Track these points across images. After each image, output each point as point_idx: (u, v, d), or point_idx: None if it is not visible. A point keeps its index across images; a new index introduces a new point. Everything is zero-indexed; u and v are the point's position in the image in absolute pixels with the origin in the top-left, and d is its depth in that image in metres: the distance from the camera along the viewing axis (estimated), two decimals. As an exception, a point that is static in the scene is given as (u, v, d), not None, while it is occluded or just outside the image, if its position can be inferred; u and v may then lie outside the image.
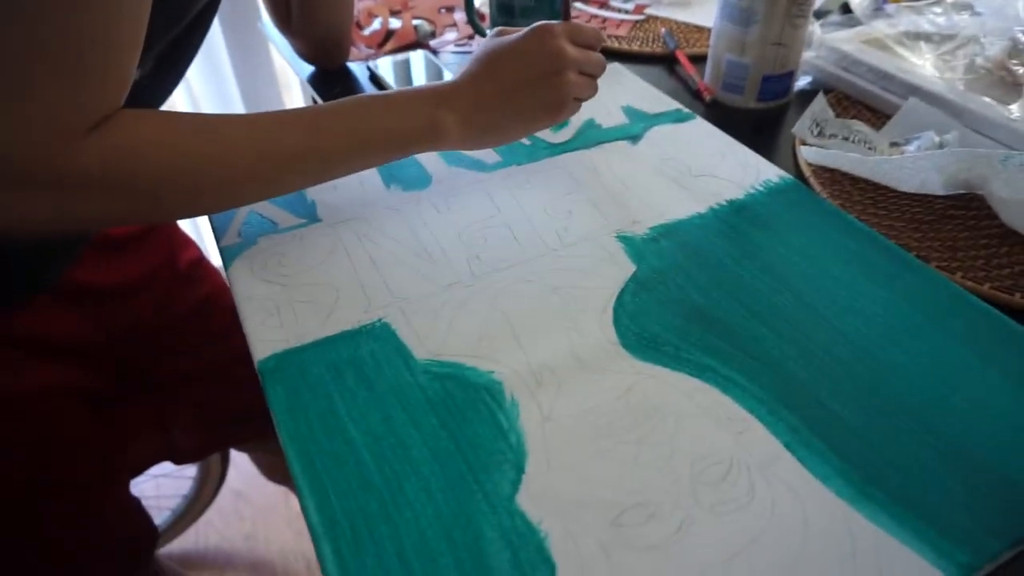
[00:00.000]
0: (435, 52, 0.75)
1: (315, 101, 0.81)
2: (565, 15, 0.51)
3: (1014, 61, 0.58)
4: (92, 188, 0.38)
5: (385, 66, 0.71)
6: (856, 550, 0.31)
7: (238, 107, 1.35)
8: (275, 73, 1.39)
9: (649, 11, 0.80)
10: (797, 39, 0.60)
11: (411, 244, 0.49)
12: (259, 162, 0.43)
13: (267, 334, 0.42)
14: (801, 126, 0.57)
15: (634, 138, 0.58)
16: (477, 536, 0.32)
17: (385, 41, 0.76)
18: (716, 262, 0.46)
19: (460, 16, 0.81)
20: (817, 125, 0.57)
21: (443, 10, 0.82)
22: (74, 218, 0.40)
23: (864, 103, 0.62)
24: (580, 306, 0.44)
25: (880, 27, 0.66)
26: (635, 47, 0.73)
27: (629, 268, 0.46)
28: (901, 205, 0.51)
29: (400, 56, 0.72)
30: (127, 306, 0.66)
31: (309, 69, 0.73)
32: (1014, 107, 0.56)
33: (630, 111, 0.62)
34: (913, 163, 0.50)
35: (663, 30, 0.75)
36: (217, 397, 0.78)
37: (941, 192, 0.50)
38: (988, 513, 0.33)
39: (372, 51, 0.75)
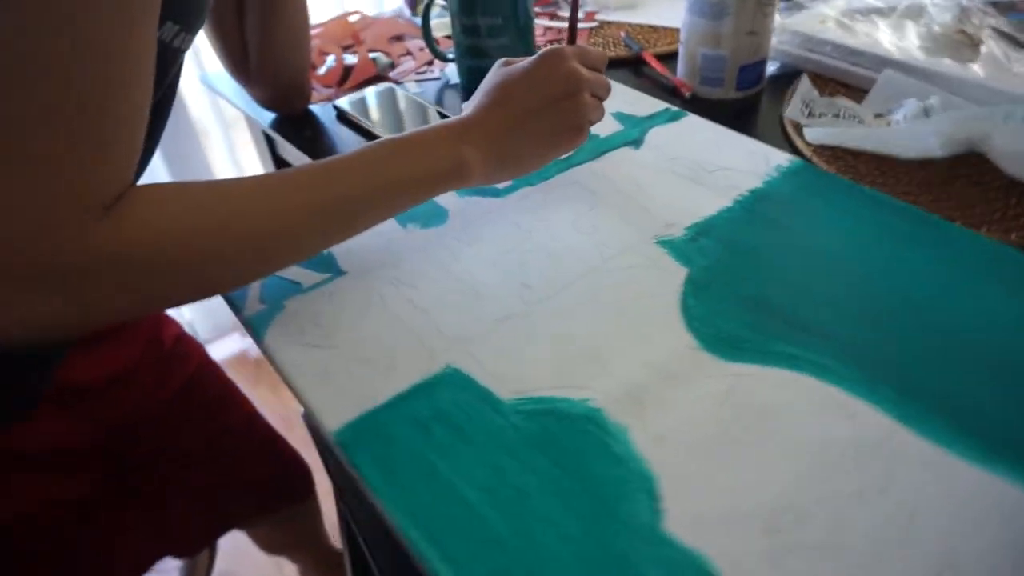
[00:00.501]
0: (398, 83, 0.72)
1: (271, 147, 0.77)
2: (571, 37, 0.51)
3: (966, 23, 0.62)
4: (116, 275, 0.34)
5: (351, 104, 0.68)
6: (1005, 513, 0.32)
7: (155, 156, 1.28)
8: (192, 121, 1.33)
9: (600, 17, 0.81)
10: (767, 27, 0.62)
11: (450, 283, 0.46)
12: (287, 226, 0.40)
13: (331, 403, 0.39)
14: (794, 109, 0.59)
15: (636, 143, 0.58)
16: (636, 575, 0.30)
17: (344, 78, 0.73)
18: (759, 252, 0.47)
19: (413, 43, 0.79)
20: (807, 106, 0.59)
21: (393, 40, 0.79)
22: (97, 312, 0.35)
23: (835, 80, 0.65)
24: (646, 318, 0.43)
25: (836, 4, 0.69)
26: (598, 54, 0.74)
27: (680, 271, 0.46)
28: (907, 171, 0.53)
29: (366, 92, 0.70)
30: (117, 398, 0.60)
31: (270, 117, 0.69)
32: (975, 66, 0.59)
33: (622, 117, 0.62)
34: (914, 130, 0.52)
35: (622, 34, 0.76)
36: (209, 473, 0.73)
37: (940, 154, 0.52)
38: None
39: (332, 90, 0.72)
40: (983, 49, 0.61)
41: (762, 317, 0.42)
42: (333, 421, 0.38)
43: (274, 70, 0.64)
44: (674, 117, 0.61)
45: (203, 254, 0.37)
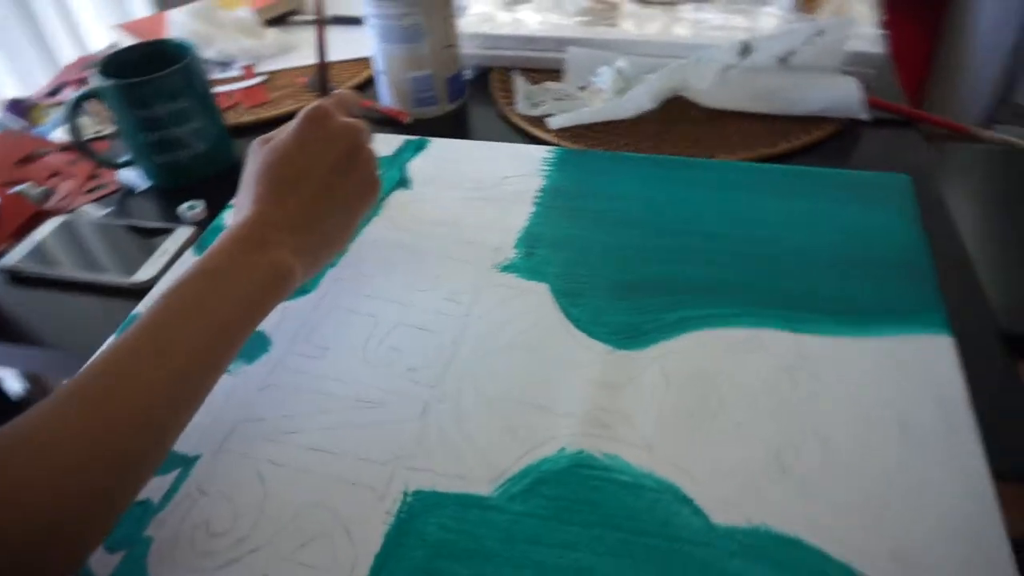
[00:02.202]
0: (70, 212, 0.58)
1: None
2: (324, 88, 0.45)
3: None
4: None
5: (27, 258, 0.52)
6: (892, 357, 0.39)
7: None
8: None
9: (262, 69, 0.74)
10: (457, 37, 0.64)
11: (334, 406, 0.40)
12: (137, 425, 0.32)
13: (307, 611, 0.31)
14: (524, 106, 0.62)
15: (403, 183, 0.56)
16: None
17: (-8, 230, 0.55)
18: (586, 242, 0.49)
19: (53, 159, 0.63)
20: (529, 100, 0.63)
21: (21, 163, 0.62)
22: None
23: (523, 68, 0.69)
24: (548, 344, 0.42)
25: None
26: (292, 107, 0.68)
27: (541, 288, 0.46)
28: (634, 127, 0.60)
29: (36, 237, 0.54)
30: None
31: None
32: (627, 25, 0.69)
33: (372, 162, 0.58)
34: (632, 95, 0.59)
35: (303, 80, 0.71)
36: None
37: (651, 107, 0.61)
38: (899, 286, 0.44)
39: (-19, 250, 0.54)
40: (621, 10, 0.71)
41: (635, 297, 0.45)
42: (328, 631, 0.31)
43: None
44: (420, 147, 0.60)
45: (73, 501, 0.28)
